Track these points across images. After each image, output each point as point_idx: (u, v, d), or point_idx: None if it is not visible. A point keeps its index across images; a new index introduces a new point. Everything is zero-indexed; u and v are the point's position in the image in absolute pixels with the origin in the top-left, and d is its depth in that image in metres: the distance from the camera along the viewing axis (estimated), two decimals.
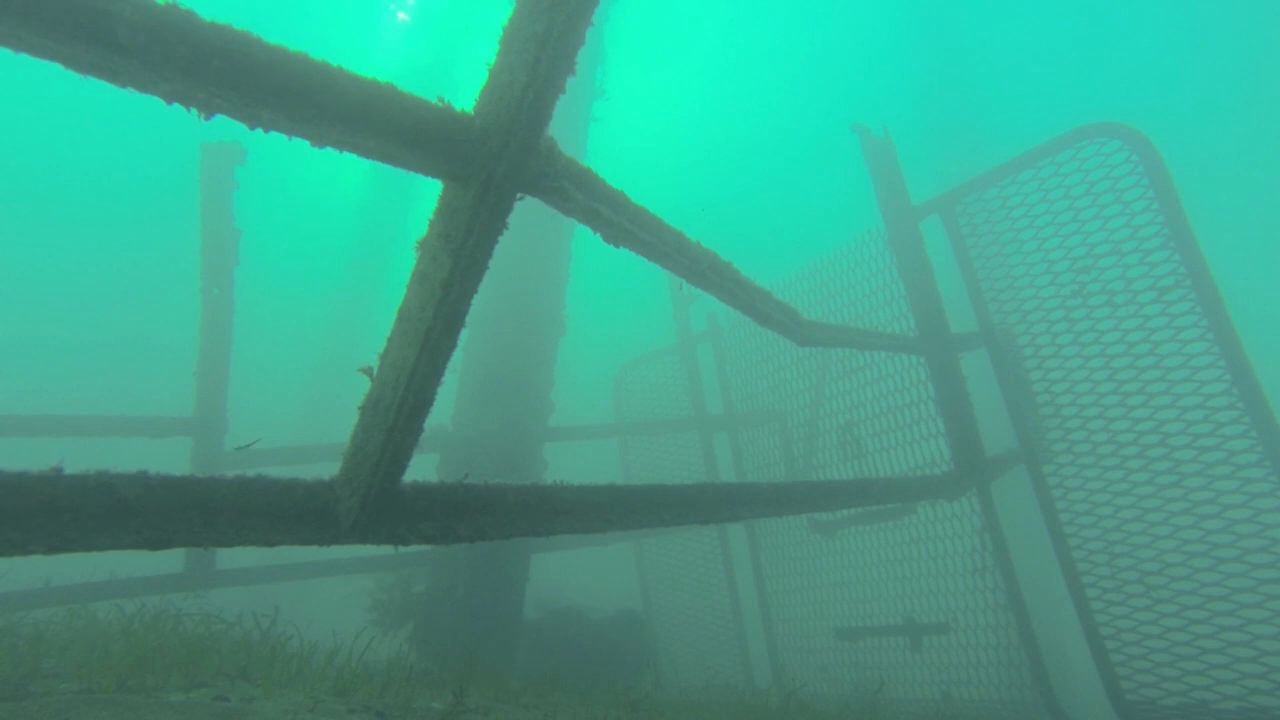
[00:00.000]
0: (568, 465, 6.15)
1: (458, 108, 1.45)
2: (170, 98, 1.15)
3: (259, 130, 1.28)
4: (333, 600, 8.99)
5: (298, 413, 21.99)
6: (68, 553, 1.32)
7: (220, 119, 1.24)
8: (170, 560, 4.19)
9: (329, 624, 6.12)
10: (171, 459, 4.45)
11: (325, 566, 5.59)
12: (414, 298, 1.57)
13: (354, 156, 1.41)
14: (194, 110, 1.19)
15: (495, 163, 1.46)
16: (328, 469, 2.07)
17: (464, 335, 1.66)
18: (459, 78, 30.55)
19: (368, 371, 1.69)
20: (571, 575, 10.29)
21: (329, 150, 1.37)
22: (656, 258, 2.21)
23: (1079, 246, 5.48)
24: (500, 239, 1.58)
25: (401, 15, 33.21)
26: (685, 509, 2.63)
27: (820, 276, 7.04)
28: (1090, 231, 5.41)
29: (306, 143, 1.33)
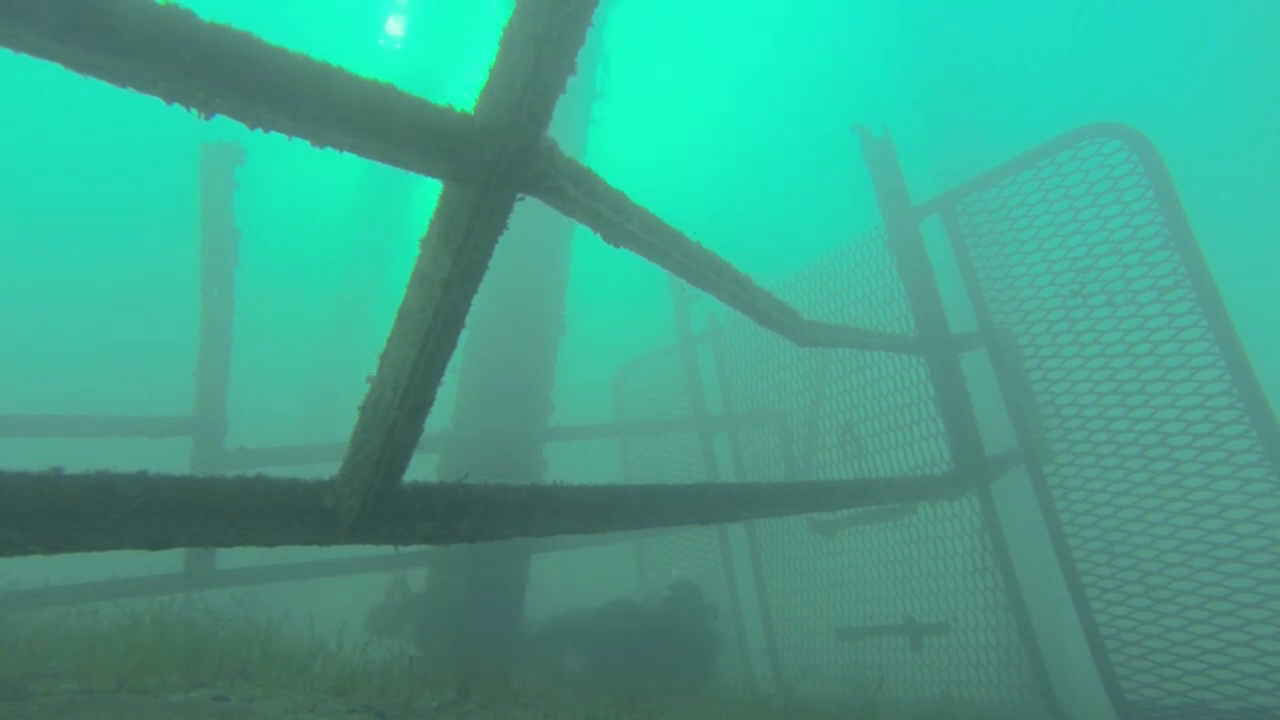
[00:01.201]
0: (568, 465, 6.15)
1: (457, 108, 1.45)
2: (170, 98, 1.15)
3: (259, 130, 1.28)
4: (333, 600, 8.99)
5: (298, 413, 21.97)
6: (68, 553, 1.32)
7: (220, 119, 1.24)
8: (170, 560, 4.19)
9: (329, 624, 6.12)
10: (171, 459, 4.45)
11: (325, 566, 5.59)
12: (414, 298, 1.57)
13: (354, 156, 1.41)
14: (194, 110, 1.19)
15: (495, 163, 1.46)
16: (328, 469, 2.07)
17: (464, 335, 1.66)
18: (458, 80, 30.54)
19: (373, 381, 1.69)
20: (571, 575, 10.28)
21: (329, 150, 1.37)
22: (656, 258, 2.21)
23: (1079, 246, 5.48)
24: (500, 239, 1.58)
25: (396, 28, 33.24)
26: (685, 509, 2.63)
27: (820, 276, 7.04)
28: (1090, 231, 5.41)
29: (306, 143, 1.33)
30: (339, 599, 8.97)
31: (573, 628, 6.79)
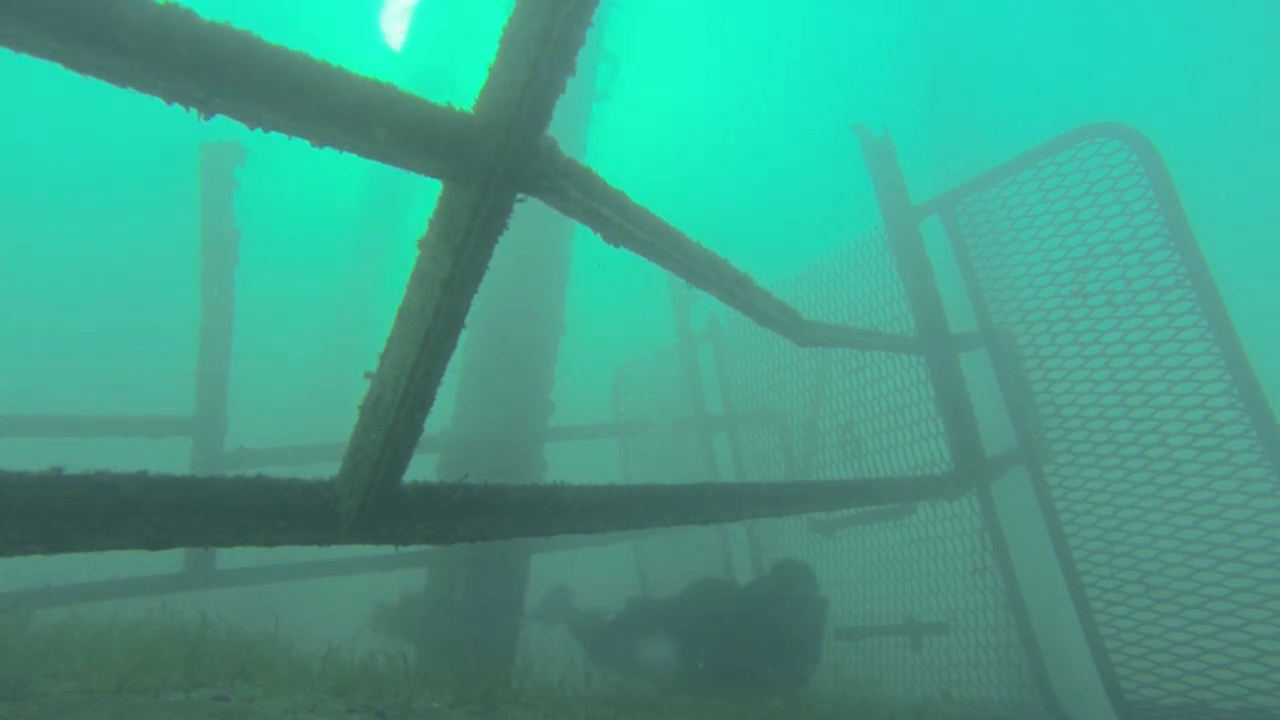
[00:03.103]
0: (568, 465, 6.14)
1: (457, 107, 1.45)
2: (170, 97, 1.14)
3: (259, 130, 1.28)
4: (334, 601, 8.99)
5: (299, 411, 21.98)
6: (68, 552, 1.32)
7: (220, 119, 1.24)
8: (170, 560, 4.18)
9: (329, 624, 6.12)
10: (171, 459, 4.44)
11: (325, 566, 5.58)
12: (414, 297, 1.57)
13: (355, 156, 1.41)
14: (194, 110, 1.19)
15: (495, 163, 1.46)
16: (328, 469, 2.07)
17: (464, 335, 1.65)
18: (459, 80, 30.54)
19: (373, 380, 1.69)
20: (569, 575, 10.27)
21: (329, 150, 1.37)
22: (656, 258, 2.21)
23: (1079, 246, 5.48)
24: (500, 239, 1.58)
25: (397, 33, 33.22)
26: (685, 509, 2.63)
27: (820, 276, 7.05)
28: (1090, 231, 5.41)
29: (306, 143, 1.33)
30: (339, 600, 8.96)
31: (656, 618, 5.78)
